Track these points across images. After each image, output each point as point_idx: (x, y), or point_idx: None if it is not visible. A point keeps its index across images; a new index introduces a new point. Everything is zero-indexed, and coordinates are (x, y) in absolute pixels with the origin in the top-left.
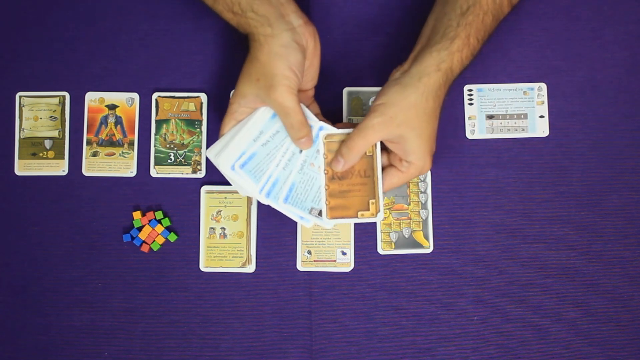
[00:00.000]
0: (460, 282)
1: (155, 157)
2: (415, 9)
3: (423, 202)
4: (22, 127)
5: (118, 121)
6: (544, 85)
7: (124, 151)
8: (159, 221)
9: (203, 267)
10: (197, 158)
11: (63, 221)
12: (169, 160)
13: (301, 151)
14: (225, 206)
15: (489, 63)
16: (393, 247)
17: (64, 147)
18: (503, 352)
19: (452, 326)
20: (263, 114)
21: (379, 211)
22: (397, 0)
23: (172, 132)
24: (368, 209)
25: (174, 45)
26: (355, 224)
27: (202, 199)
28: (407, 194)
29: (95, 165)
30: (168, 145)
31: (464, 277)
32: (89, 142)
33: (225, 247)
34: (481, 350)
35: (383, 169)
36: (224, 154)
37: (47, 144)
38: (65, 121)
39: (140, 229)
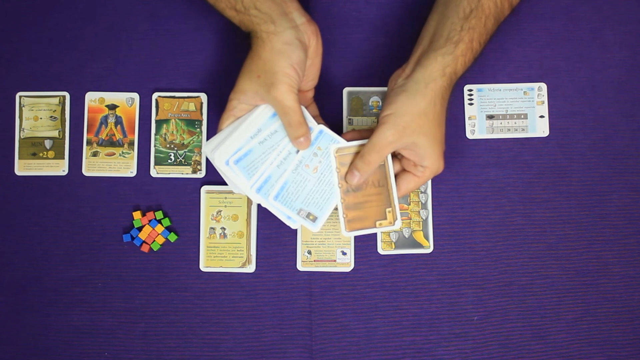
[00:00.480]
0: (460, 282)
1: (155, 157)
2: (416, 9)
3: (423, 202)
4: (22, 127)
5: (118, 121)
6: (544, 85)
7: (124, 151)
8: (159, 221)
9: (203, 267)
10: (197, 158)
11: (63, 221)
12: (169, 160)
13: (298, 152)
14: (225, 206)
15: (489, 63)
16: (393, 247)
17: (64, 147)
18: (503, 352)
19: (452, 326)
20: (263, 112)
21: (396, 219)
22: (397, 0)
23: (172, 132)
24: (385, 218)
25: (174, 45)
26: None
27: (202, 199)
28: (407, 194)
29: (95, 165)
30: (168, 145)
31: (464, 277)
32: (89, 142)
33: (225, 247)
34: (481, 350)
35: (396, 175)
36: (220, 149)
37: (47, 144)
38: (65, 121)
39: (140, 229)
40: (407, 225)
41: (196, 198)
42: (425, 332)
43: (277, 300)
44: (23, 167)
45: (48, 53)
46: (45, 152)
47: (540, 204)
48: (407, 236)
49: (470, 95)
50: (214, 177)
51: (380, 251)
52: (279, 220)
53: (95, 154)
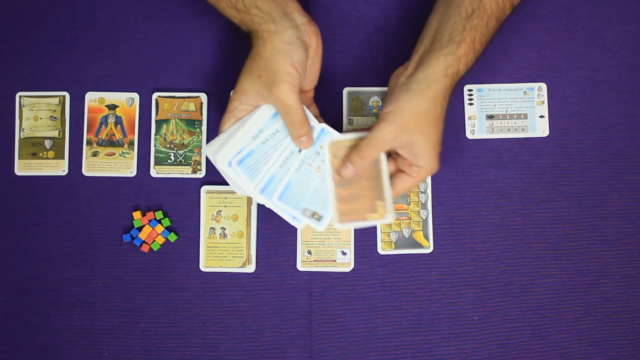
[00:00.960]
0: (460, 282)
1: (155, 157)
2: (416, 9)
3: (423, 202)
4: (22, 127)
5: (118, 121)
6: (544, 85)
7: (124, 151)
8: (159, 221)
9: (203, 267)
10: (197, 158)
11: (63, 221)
12: (169, 160)
13: (300, 151)
14: (225, 206)
15: (489, 63)
16: (393, 247)
17: (64, 147)
18: (503, 352)
19: (452, 326)
20: (264, 112)
21: (387, 212)
22: (397, 0)
23: (172, 132)
24: (376, 211)
25: (174, 45)
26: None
27: (202, 199)
28: (407, 194)
29: (95, 165)
30: (168, 145)
31: (464, 277)
32: (89, 142)
33: (225, 247)
34: (481, 350)
35: (391, 175)
36: (222, 151)
37: (47, 144)
38: (65, 121)
39: (140, 229)
40: (407, 226)
41: (196, 198)
42: (425, 332)
43: (277, 300)
44: (23, 167)
45: (48, 53)
46: (45, 152)
47: (540, 204)
48: (407, 236)
49: (470, 95)
50: (214, 177)
51: (380, 251)
52: (279, 220)
53: (95, 154)
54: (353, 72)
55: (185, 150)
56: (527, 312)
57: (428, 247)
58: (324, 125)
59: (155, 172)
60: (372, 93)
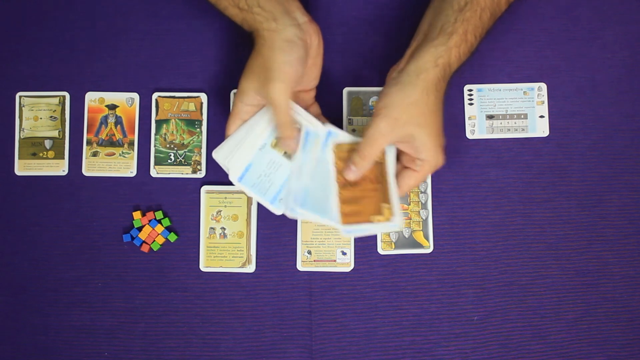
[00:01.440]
0: (460, 282)
1: (155, 157)
2: (415, 9)
3: (423, 202)
4: (22, 127)
5: (118, 121)
6: (544, 85)
7: (124, 151)
8: (159, 221)
9: (203, 267)
10: (197, 158)
11: (63, 221)
12: (169, 160)
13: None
14: (225, 206)
15: (489, 63)
16: (393, 247)
17: (64, 147)
18: (503, 352)
19: (452, 326)
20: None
21: (393, 215)
22: (396, 0)
23: (172, 132)
24: (381, 214)
25: (174, 45)
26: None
27: (202, 199)
28: (407, 194)
29: (95, 165)
30: (168, 145)
31: (464, 277)
32: (89, 142)
33: (225, 247)
34: (481, 350)
35: (397, 173)
36: (232, 165)
37: (47, 144)
38: (65, 121)
39: (140, 229)
40: (407, 225)
41: (196, 198)
42: (425, 332)
43: (277, 300)
44: (23, 167)
45: (48, 53)
46: (45, 152)
47: (540, 204)
48: (407, 236)
49: (470, 95)
50: (214, 177)
51: (380, 251)
52: (279, 220)
53: (95, 154)
54: (353, 72)
55: (185, 150)
56: (527, 312)
57: (428, 247)
58: (330, 128)
59: (155, 172)
60: (372, 93)
